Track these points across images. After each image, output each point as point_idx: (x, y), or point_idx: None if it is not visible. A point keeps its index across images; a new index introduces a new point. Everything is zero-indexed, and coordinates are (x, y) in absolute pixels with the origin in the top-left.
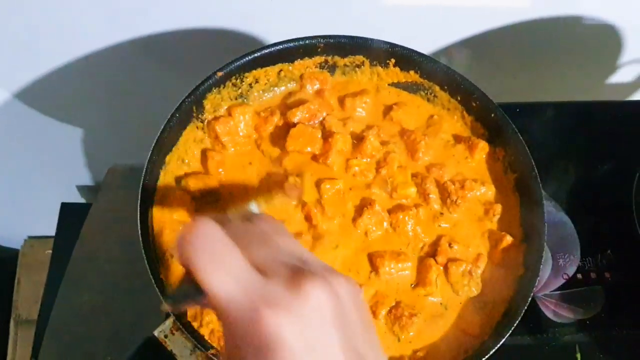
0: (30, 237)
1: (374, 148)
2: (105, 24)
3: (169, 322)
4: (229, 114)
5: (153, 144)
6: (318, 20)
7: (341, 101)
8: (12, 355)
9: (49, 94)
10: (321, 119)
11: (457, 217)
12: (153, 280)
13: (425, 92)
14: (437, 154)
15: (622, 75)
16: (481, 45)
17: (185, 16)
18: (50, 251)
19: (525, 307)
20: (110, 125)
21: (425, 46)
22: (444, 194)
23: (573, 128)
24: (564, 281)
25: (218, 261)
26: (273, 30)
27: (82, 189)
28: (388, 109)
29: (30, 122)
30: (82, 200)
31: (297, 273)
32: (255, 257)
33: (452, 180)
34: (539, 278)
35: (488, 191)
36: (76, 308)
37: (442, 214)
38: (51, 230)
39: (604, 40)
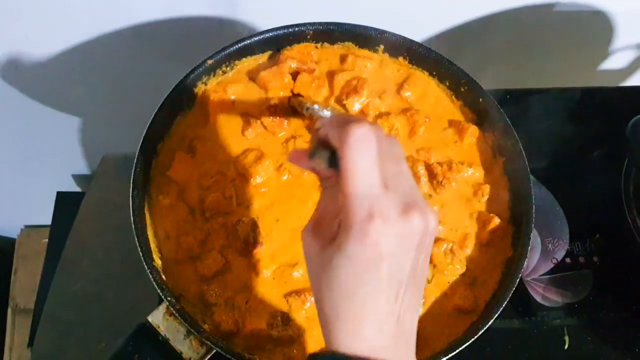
0: (27, 227)
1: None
2: (98, 13)
3: (162, 307)
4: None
5: (144, 133)
6: (309, 7)
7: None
8: (10, 343)
9: (44, 83)
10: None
11: (445, 199)
12: (146, 267)
13: None
14: (430, 137)
15: (614, 62)
16: (473, 31)
17: (178, 4)
18: (47, 240)
19: (513, 289)
20: (105, 114)
21: (416, 33)
22: (432, 176)
23: (564, 114)
24: (552, 265)
25: (368, 162)
26: (264, 17)
27: (77, 177)
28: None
29: (25, 111)
30: (78, 189)
31: (410, 201)
32: (387, 171)
33: (440, 163)
34: (527, 262)
35: (476, 172)
36: (70, 295)
37: (430, 196)
38: (47, 220)
39: (596, 26)
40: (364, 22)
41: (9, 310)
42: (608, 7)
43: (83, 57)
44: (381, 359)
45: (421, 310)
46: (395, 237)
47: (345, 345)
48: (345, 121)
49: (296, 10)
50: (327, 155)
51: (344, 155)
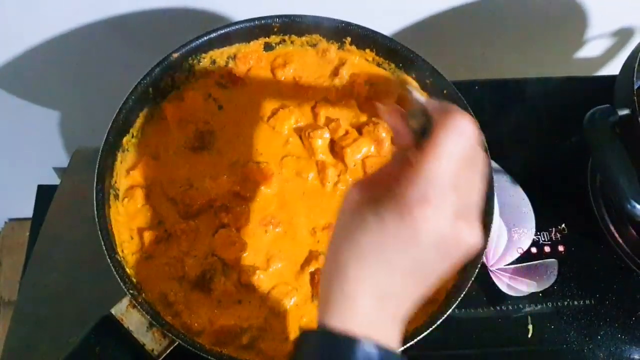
0: (11, 220)
1: None
2: (72, 4)
3: (125, 300)
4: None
5: (109, 127)
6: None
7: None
8: None
9: (20, 76)
10: None
11: None
12: (109, 260)
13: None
14: None
15: (589, 50)
16: (443, 22)
17: None
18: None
19: (472, 278)
20: (82, 107)
21: (386, 25)
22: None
23: (532, 104)
24: (518, 255)
25: (455, 152)
26: (241, 9)
27: (58, 170)
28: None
29: (2, 104)
30: (59, 182)
31: (466, 213)
32: (462, 174)
33: None
34: (493, 251)
35: None
36: (42, 289)
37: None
38: (30, 212)
39: (569, 15)
40: (332, 15)
41: None
42: None
43: (58, 50)
44: (373, 338)
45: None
46: (434, 235)
47: (340, 320)
48: (450, 107)
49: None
50: (422, 122)
51: (439, 134)
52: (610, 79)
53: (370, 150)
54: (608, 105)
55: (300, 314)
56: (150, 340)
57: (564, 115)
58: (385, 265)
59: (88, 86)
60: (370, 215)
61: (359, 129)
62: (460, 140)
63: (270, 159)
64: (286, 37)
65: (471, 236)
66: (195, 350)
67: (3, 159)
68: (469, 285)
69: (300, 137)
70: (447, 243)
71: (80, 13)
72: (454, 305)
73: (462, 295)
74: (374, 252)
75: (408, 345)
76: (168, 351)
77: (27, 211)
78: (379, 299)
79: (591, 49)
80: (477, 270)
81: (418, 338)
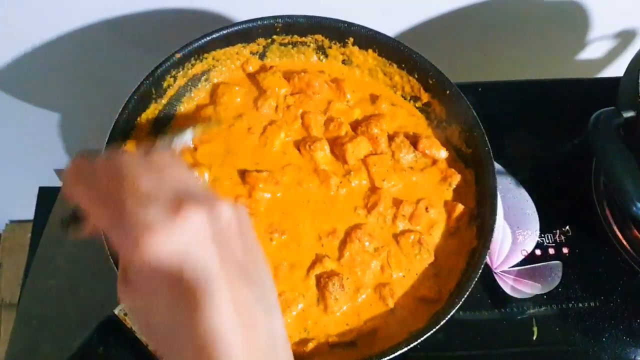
0: (12, 221)
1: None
2: (74, 6)
3: None
4: None
5: (111, 128)
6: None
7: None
8: None
9: (22, 78)
10: None
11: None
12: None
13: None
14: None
15: (591, 52)
16: (445, 24)
17: None
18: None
19: (476, 279)
20: (84, 109)
21: (388, 27)
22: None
23: (536, 106)
24: (522, 257)
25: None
26: (243, 9)
27: (60, 172)
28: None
29: (4, 105)
30: (60, 184)
31: (178, 199)
32: (144, 187)
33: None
34: (497, 253)
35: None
36: (45, 291)
37: (412, 168)
38: (32, 214)
39: (571, 16)
40: (335, 16)
41: None
42: None
43: (60, 52)
44: None
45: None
46: (170, 244)
47: None
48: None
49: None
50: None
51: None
52: (614, 80)
53: (369, 149)
54: (612, 107)
55: (306, 317)
56: None
57: (568, 117)
58: (178, 310)
59: (90, 88)
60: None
61: (354, 129)
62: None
63: (270, 168)
64: (288, 37)
65: (203, 210)
66: None
67: (4, 160)
68: (472, 285)
69: (299, 149)
70: (191, 234)
71: (82, 14)
72: (458, 306)
73: (465, 296)
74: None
75: (412, 346)
76: None
77: (28, 213)
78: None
79: (594, 51)
80: (480, 271)
81: (421, 339)
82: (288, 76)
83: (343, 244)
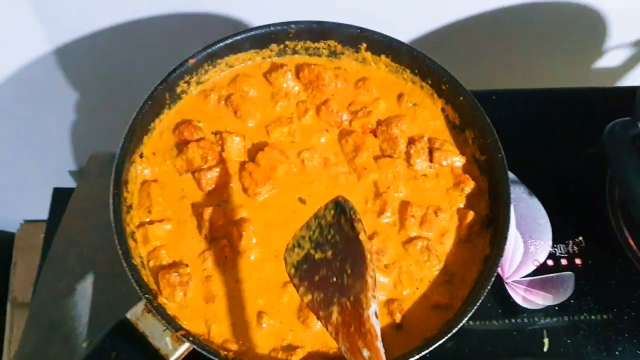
0: (26, 221)
1: None
2: (89, 10)
3: (140, 304)
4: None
5: (125, 132)
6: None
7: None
8: (9, 337)
9: (38, 81)
10: None
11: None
12: (125, 264)
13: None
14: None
15: (608, 61)
16: (461, 31)
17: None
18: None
19: (489, 286)
20: (99, 112)
21: (404, 34)
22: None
23: (552, 115)
24: (534, 267)
25: None
26: (258, 13)
27: (74, 174)
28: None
29: (20, 108)
30: (74, 186)
31: None
32: None
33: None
34: (509, 263)
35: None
36: (56, 292)
37: (425, 175)
38: (46, 215)
39: (588, 25)
40: (356, 23)
41: (8, 304)
42: (600, 5)
43: (76, 55)
44: None
45: None
46: None
47: None
48: None
49: (290, 6)
50: None
51: None
52: (631, 90)
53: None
54: (628, 117)
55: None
56: (165, 345)
57: (582, 126)
58: None
59: (104, 91)
60: None
61: (374, 132)
62: None
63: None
64: (301, 43)
65: None
66: (210, 356)
67: (20, 161)
68: (485, 292)
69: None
70: None
71: (97, 19)
72: (470, 314)
73: (479, 303)
74: None
75: (423, 353)
76: (183, 356)
77: (43, 213)
78: None
79: (611, 60)
80: (493, 279)
81: (434, 346)
82: (299, 69)
83: None
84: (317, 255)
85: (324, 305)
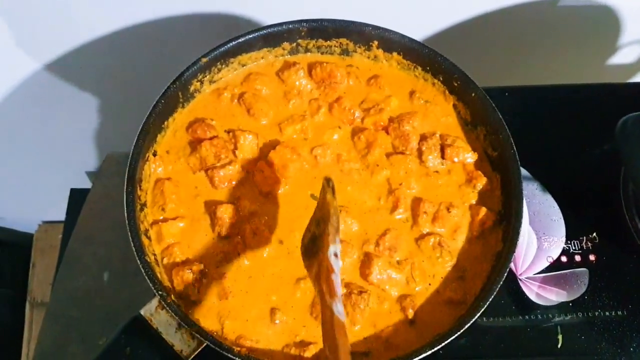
0: (44, 222)
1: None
2: (103, 12)
3: (154, 301)
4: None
5: (139, 131)
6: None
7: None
8: (28, 336)
9: (54, 83)
10: None
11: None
12: (138, 261)
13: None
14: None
15: (622, 57)
16: (475, 29)
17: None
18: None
19: (501, 282)
20: (114, 113)
21: (416, 32)
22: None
23: (564, 111)
24: (548, 263)
25: None
26: (269, 12)
27: (91, 175)
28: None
29: (37, 110)
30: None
31: None
32: None
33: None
34: (522, 259)
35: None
36: (73, 291)
37: (437, 172)
38: (64, 215)
39: (601, 21)
40: (367, 20)
41: (27, 304)
42: (613, 1)
43: (92, 56)
44: None
45: None
46: None
47: None
48: None
49: (297, 6)
50: None
51: None
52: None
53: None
54: None
55: None
56: (179, 342)
57: (596, 123)
58: None
59: (118, 91)
60: None
61: (386, 129)
62: None
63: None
64: (313, 41)
65: None
66: (223, 352)
67: (38, 163)
68: (498, 288)
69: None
70: None
71: (111, 20)
72: (482, 310)
73: (491, 299)
74: None
75: (436, 349)
76: (197, 352)
77: (60, 214)
78: None
79: (624, 56)
80: (506, 273)
81: (446, 342)
82: (312, 67)
83: (367, 260)
84: (317, 232)
85: (313, 268)
